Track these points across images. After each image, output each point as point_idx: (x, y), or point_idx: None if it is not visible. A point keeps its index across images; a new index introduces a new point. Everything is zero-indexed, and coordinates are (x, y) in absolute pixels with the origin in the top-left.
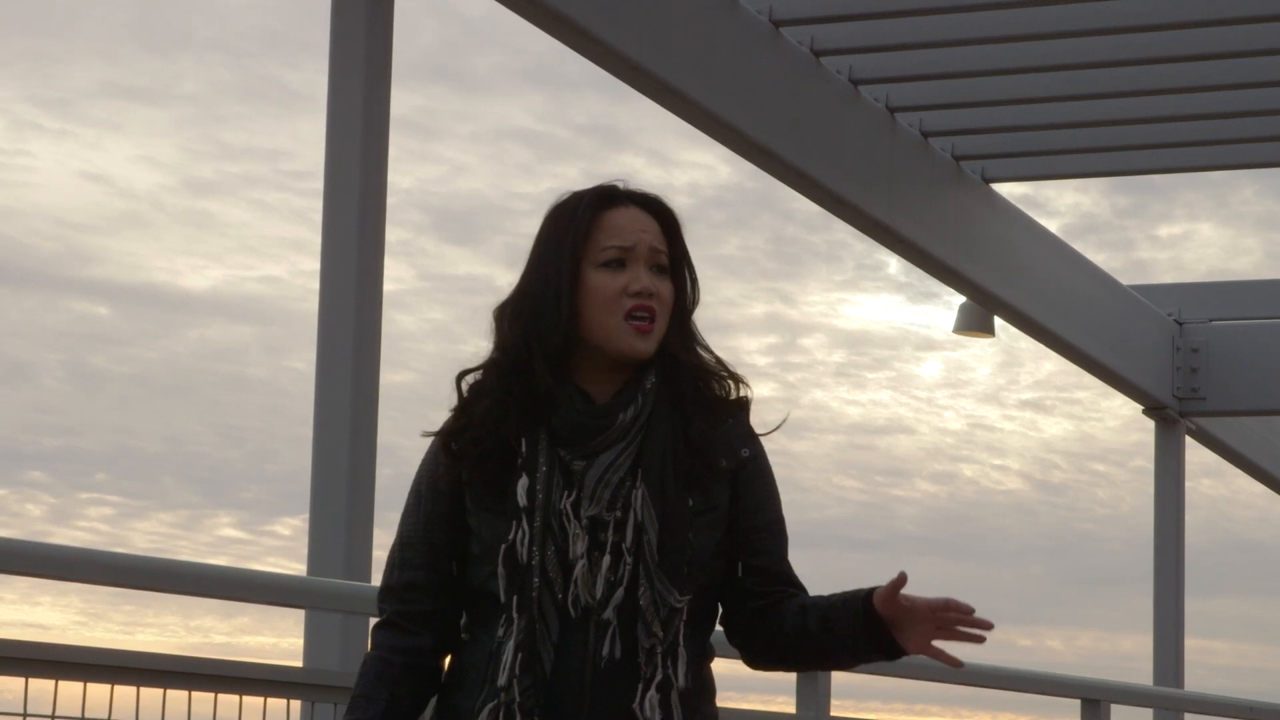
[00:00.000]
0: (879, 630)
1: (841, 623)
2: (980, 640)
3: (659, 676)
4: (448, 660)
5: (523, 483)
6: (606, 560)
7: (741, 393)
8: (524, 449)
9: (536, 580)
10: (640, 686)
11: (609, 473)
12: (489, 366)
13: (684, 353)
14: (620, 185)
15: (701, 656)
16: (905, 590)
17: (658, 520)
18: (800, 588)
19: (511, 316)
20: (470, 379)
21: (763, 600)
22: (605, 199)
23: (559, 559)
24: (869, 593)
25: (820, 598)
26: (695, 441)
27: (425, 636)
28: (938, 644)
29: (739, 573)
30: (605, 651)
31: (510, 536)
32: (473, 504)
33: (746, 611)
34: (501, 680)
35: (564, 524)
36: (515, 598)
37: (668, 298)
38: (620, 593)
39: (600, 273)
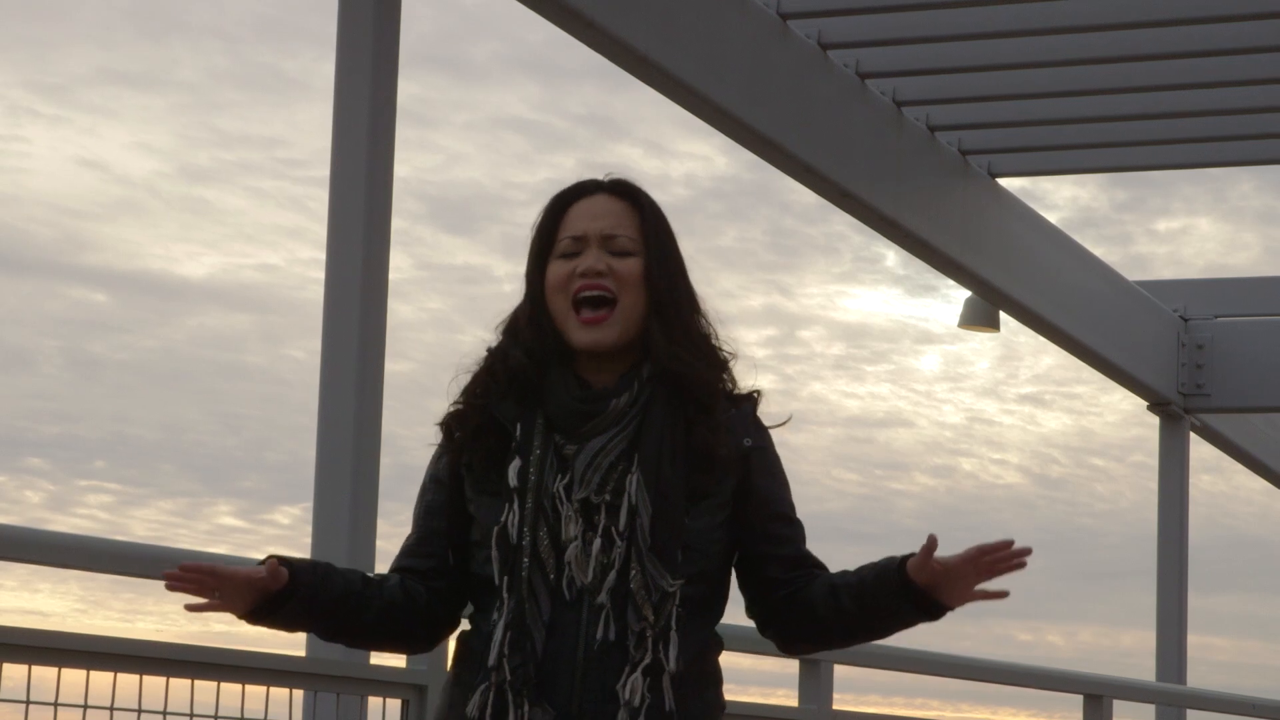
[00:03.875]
0: (919, 597)
1: (879, 597)
2: (1023, 565)
3: (647, 660)
4: (408, 621)
5: (515, 465)
6: (598, 543)
7: (737, 385)
8: (519, 433)
9: (526, 561)
10: (626, 669)
11: (599, 457)
12: (484, 361)
13: (664, 344)
14: (600, 179)
15: (704, 645)
16: (936, 552)
17: (651, 504)
18: (821, 567)
19: (506, 324)
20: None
21: (789, 587)
22: (570, 195)
23: (551, 541)
24: (901, 564)
25: (848, 575)
26: (694, 430)
27: (401, 595)
28: (980, 586)
29: (761, 564)
30: (599, 635)
31: (502, 518)
32: (472, 490)
33: (775, 601)
34: (491, 660)
35: (556, 506)
36: (506, 578)
37: (627, 274)
38: (613, 576)
39: (557, 263)
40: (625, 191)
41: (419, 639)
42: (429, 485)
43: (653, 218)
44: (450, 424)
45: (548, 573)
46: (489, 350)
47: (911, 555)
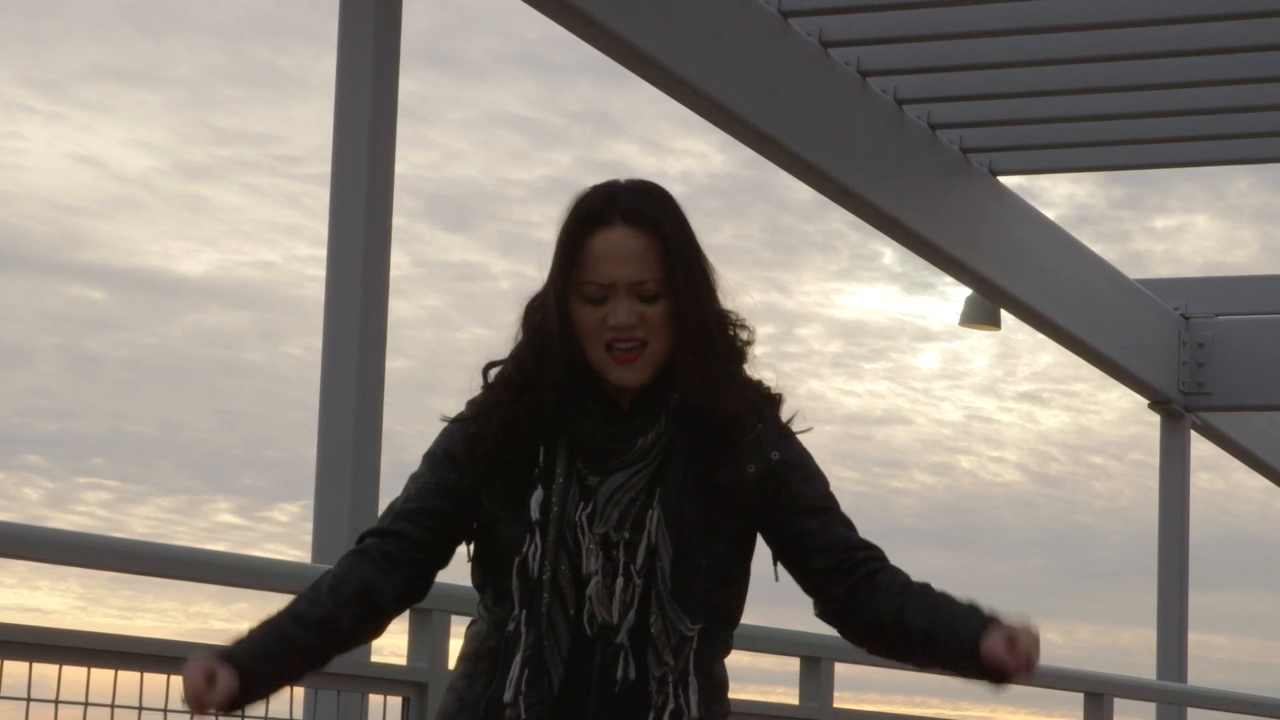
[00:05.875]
0: (988, 670)
1: (949, 653)
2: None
3: (670, 705)
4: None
5: (537, 495)
6: (620, 582)
7: (774, 400)
8: (541, 459)
9: (547, 596)
10: (651, 715)
11: (619, 492)
12: (501, 380)
13: (694, 377)
14: (618, 185)
15: (714, 655)
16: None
17: (671, 544)
18: (871, 549)
19: (528, 329)
20: (493, 374)
21: (841, 580)
22: (589, 224)
23: (572, 573)
24: (978, 636)
25: (924, 604)
26: (718, 470)
27: (391, 578)
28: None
29: (803, 559)
30: (620, 675)
31: (523, 550)
32: (489, 500)
33: (833, 600)
34: (508, 695)
35: (578, 538)
36: (525, 612)
37: (655, 321)
38: (631, 615)
39: (583, 307)
40: (646, 222)
41: (388, 614)
42: (443, 460)
43: (677, 248)
44: (476, 447)
45: (568, 607)
46: (514, 362)
47: (992, 620)
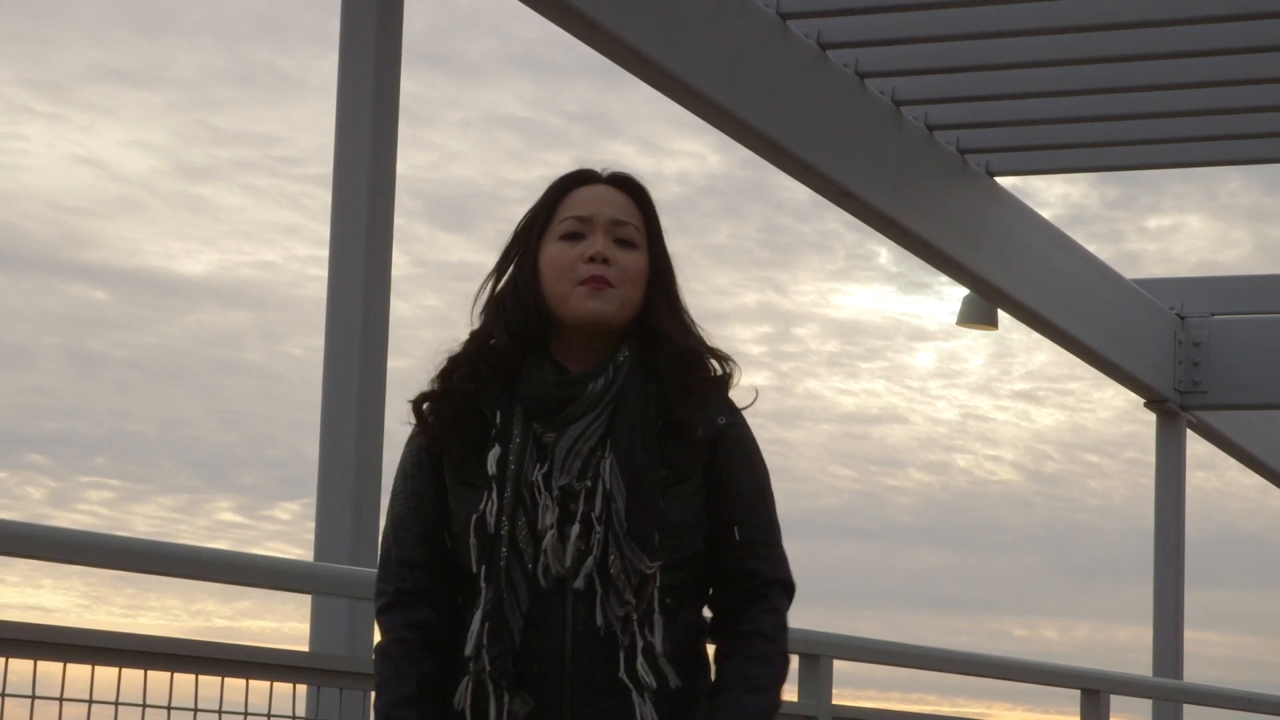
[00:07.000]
0: None
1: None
2: None
3: (640, 644)
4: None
5: (494, 453)
6: (575, 529)
7: (727, 369)
8: (498, 421)
9: (504, 550)
10: (623, 655)
11: (579, 443)
12: (466, 343)
13: (670, 323)
14: (599, 169)
15: (692, 629)
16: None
17: (625, 488)
18: (768, 590)
19: (487, 296)
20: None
21: (731, 599)
22: (575, 179)
23: (530, 531)
24: None
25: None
26: (670, 413)
27: (428, 611)
28: None
29: (722, 546)
30: (600, 622)
31: (480, 507)
32: (451, 481)
33: (721, 606)
34: (469, 649)
35: (535, 495)
36: (484, 567)
37: (630, 267)
38: (590, 561)
39: (558, 244)
40: (629, 186)
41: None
42: (413, 472)
43: (655, 215)
44: (426, 406)
45: (526, 562)
46: (471, 334)
47: None
